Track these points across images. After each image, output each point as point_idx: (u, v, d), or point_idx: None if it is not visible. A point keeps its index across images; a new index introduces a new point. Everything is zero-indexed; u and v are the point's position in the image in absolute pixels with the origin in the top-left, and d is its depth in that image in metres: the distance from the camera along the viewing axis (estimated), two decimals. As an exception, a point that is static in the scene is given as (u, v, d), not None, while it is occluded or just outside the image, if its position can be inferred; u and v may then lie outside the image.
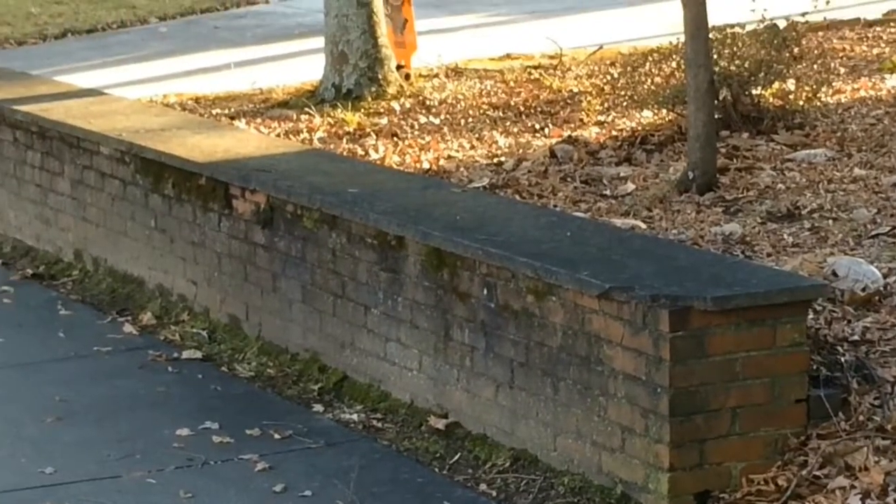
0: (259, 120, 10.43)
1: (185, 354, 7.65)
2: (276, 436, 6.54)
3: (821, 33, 11.81)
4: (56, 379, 7.33)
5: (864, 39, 11.87)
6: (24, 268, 9.17)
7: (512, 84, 11.23)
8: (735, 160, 8.61)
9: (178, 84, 12.01)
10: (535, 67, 11.76)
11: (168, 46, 14.15)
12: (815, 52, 10.33)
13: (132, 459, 6.33)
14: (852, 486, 5.37)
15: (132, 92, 11.29)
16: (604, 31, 13.15)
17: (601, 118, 9.84)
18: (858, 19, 12.73)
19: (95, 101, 9.84)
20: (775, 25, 9.80)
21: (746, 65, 9.26)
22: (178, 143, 8.44)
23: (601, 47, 12.16)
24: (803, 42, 10.06)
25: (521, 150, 9.28)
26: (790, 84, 9.40)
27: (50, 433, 6.63)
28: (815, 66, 9.85)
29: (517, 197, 8.18)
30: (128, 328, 8.06)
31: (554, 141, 9.36)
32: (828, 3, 11.26)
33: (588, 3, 15.32)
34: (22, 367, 7.52)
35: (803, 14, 10.68)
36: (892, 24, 12.56)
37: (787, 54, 9.49)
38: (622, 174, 8.63)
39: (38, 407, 6.93)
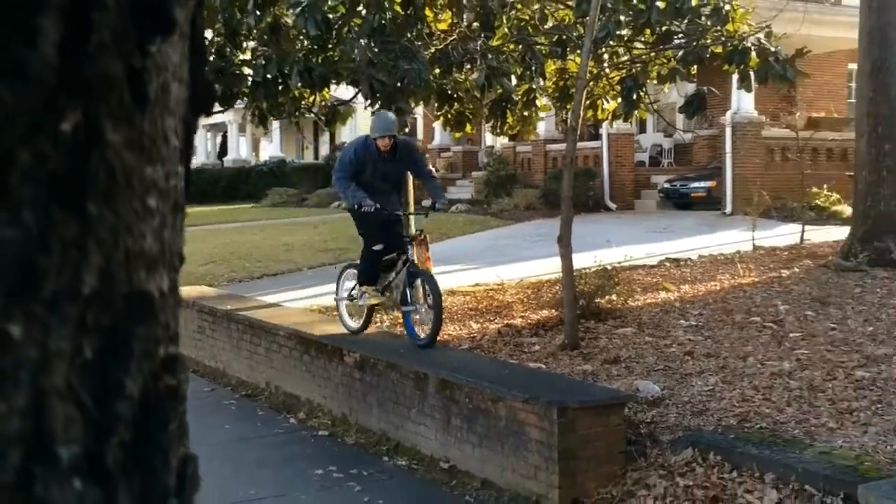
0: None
1: (321, 433, 7.64)
2: (365, 473, 6.52)
3: (628, 271, 11.92)
4: (256, 446, 7.29)
5: (650, 274, 11.98)
6: (240, 391, 9.18)
7: (479, 298, 11.30)
8: (587, 334, 8.65)
9: (317, 300, 12.08)
10: (491, 290, 11.84)
11: (311, 282, 14.24)
12: (626, 280, 10.45)
13: (288, 484, 6.30)
14: (648, 495, 5.36)
15: (294, 304, 11.36)
16: (527, 271, 13.25)
17: (523, 314, 9.90)
18: (646, 265, 12.88)
19: (277, 310, 9.93)
20: (605, 267, 9.94)
21: (592, 287, 9.38)
22: (317, 329, 8.53)
23: (522, 279, 12.28)
24: (619, 275, 10.19)
25: (484, 330, 9.33)
26: (614, 296, 9.50)
27: (251, 472, 6.60)
28: (626, 288, 9.97)
29: (482, 353, 8.21)
30: (291, 421, 8.04)
31: (499, 325, 9.43)
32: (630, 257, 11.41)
33: (522, 257, 15.40)
34: (240, 440, 7.49)
35: (619, 262, 10.80)
36: (662, 266, 12.70)
37: (612, 281, 9.61)
38: (533, 341, 8.68)
39: (248, 459, 6.91)
